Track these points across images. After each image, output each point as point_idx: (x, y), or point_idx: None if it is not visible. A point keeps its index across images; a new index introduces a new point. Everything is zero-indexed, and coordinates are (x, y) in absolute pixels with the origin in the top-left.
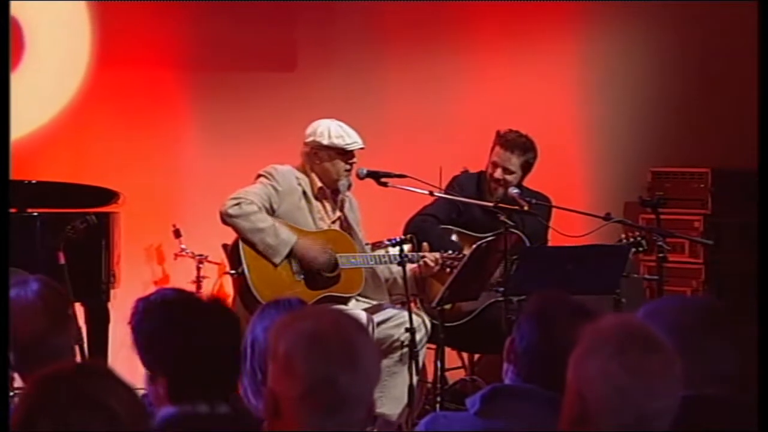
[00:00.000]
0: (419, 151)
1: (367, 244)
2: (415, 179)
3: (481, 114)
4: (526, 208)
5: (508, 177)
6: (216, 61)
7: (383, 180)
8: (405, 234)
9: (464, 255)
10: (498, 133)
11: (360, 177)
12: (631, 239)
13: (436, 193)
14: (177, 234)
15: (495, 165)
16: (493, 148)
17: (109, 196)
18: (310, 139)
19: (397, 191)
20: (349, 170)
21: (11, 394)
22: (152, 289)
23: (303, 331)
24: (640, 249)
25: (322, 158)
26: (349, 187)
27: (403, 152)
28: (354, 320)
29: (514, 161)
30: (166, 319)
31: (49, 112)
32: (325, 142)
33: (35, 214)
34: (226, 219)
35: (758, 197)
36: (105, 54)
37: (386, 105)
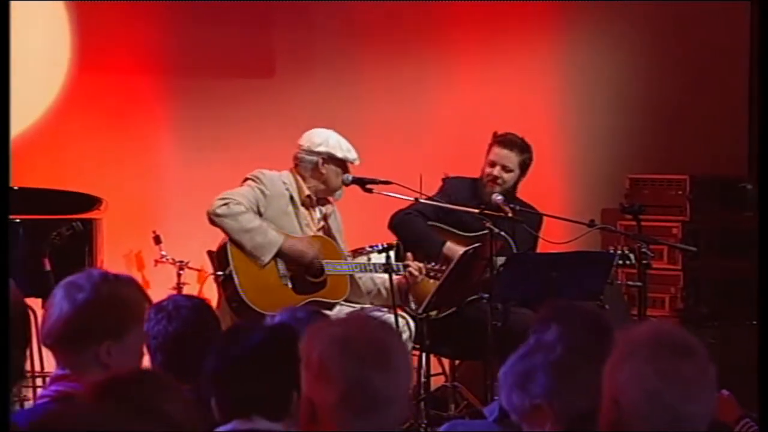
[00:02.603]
0: (398, 155)
1: (348, 255)
2: (401, 185)
3: (460, 119)
4: (510, 215)
5: (506, 175)
6: (194, 66)
7: (369, 186)
8: (389, 228)
9: (446, 267)
10: (495, 133)
11: (345, 183)
12: (619, 252)
13: (421, 200)
14: (157, 240)
15: (493, 164)
16: (489, 149)
17: (91, 202)
18: (322, 148)
19: (376, 197)
20: None
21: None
22: None
23: (334, 337)
24: (627, 263)
25: (329, 169)
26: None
27: (382, 157)
28: (382, 322)
29: (513, 159)
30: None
31: (29, 118)
32: (340, 155)
33: (18, 220)
34: (214, 219)
35: (759, 199)
36: (84, 59)
37: (365, 110)
